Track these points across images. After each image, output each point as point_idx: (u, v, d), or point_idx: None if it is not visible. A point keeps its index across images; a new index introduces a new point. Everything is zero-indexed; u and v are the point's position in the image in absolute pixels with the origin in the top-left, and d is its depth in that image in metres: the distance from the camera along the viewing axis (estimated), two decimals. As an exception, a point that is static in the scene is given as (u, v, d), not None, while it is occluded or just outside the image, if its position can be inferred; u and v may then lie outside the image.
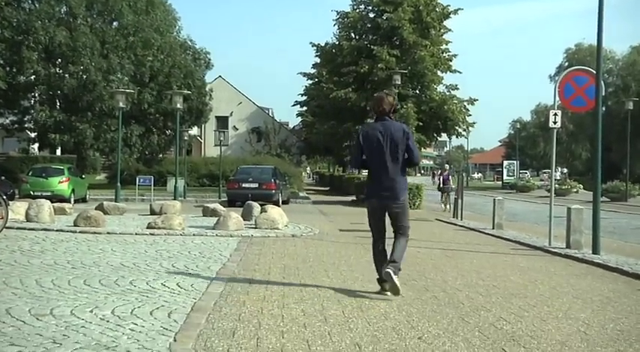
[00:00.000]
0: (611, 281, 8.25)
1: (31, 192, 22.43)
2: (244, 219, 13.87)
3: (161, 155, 38.94)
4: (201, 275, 7.35)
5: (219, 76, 53.52)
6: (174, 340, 4.54)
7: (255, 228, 13.31)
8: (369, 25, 33.85)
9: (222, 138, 34.20)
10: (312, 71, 44.38)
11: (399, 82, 27.14)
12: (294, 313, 5.59)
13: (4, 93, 31.62)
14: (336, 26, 35.53)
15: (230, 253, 9.56)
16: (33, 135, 36.17)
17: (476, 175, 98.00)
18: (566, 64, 55.63)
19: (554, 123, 12.50)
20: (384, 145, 6.38)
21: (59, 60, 33.54)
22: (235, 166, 30.35)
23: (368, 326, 5.21)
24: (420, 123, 31.05)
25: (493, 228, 15.77)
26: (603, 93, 11.90)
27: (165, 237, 11.53)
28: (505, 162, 62.40)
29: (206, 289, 6.51)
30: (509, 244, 12.88)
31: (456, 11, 33.32)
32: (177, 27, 38.87)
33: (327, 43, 37.04)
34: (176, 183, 25.48)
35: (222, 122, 52.23)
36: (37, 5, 33.38)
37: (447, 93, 33.50)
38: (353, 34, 34.89)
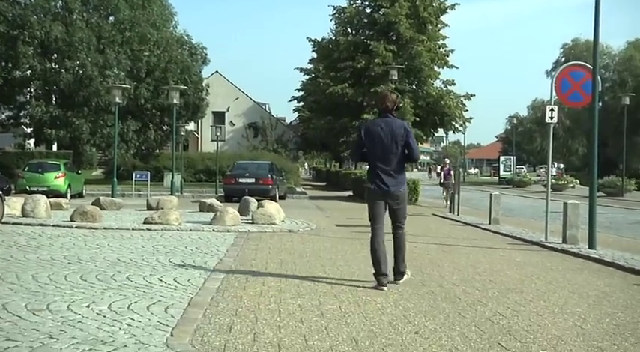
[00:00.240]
0: (607, 276, 8.28)
1: (28, 188, 22.39)
2: (241, 215, 13.88)
3: (158, 150, 38.84)
4: (198, 271, 7.35)
5: (216, 72, 53.40)
6: (171, 335, 4.55)
7: (252, 223, 13.32)
8: (366, 21, 33.79)
9: (218, 134, 34.25)
10: (309, 66, 44.39)
11: (396, 78, 27.09)
12: (291, 308, 5.60)
13: (-1, 88, 31.56)
14: (333, 21, 35.47)
15: (227, 248, 9.57)
16: (29, 130, 36.06)
17: (472, 170, 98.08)
18: (563, 59, 55.60)
19: (551, 118, 12.52)
20: (384, 141, 6.60)
21: (55, 55, 33.42)
22: (232, 161, 30.32)
23: (365, 320, 5.22)
24: (417, 119, 31.02)
25: (490, 223, 15.80)
26: (599, 89, 11.89)
27: (162, 233, 11.53)
28: (502, 158, 62.40)
29: (203, 284, 6.52)
30: (505, 239, 12.90)
31: (452, 6, 33.25)
32: (173, 22, 38.78)
33: (323, 39, 37.00)
34: (173, 178, 25.45)
35: (219, 117, 52.12)
36: (32, 0, 33.24)
37: (444, 89, 33.45)
38: (350, 30, 34.82)
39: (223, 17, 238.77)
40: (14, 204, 14.12)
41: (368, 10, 33.97)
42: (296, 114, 55.06)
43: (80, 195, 25.35)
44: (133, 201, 21.92)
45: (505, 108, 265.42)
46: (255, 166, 25.98)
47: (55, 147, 39.27)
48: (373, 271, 6.75)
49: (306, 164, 76.96)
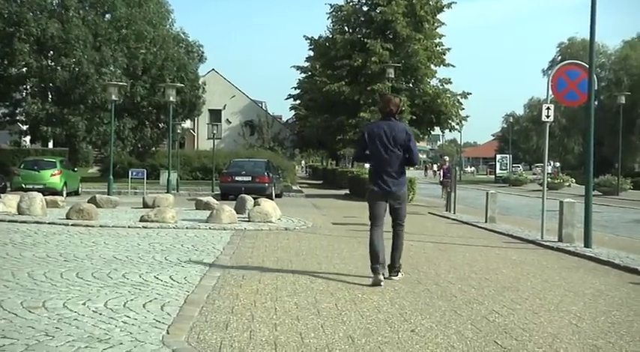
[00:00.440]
0: (603, 275, 8.30)
1: (23, 185, 22.33)
2: (237, 213, 13.87)
3: (154, 148, 38.79)
4: (194, 268, 7.35)
5: (213, 69, 53.34)
6: (167, 332, 4.55)
7: (249, 221, 13.31)
8: (363, 19, 33.81)
9: (215, 132, 34.19)
10: (306, 64, 44.38)
11: (393, 76, 27.11)
12: (287, 306, 5.60)
13: (-5, 85, 31.48)
14: (330, 20, 35.49)
15: (223, 246, 9.57)
16: (25, 127, 35.95)
17: (469, 169, 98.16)
18: (559, 58, 55.66)
19: (547, 117, 12.53)
20: (386, 143, 6.87)
21: (51, 52, 33.34)
22: (228, 159, 30.27)
23: (361, 318, 5.23)
24: (414, 117, 31.06)
25: (486, 222, 15.81)
26: (596, 88, 11.95)
27: (158, 230, 11.52)
28: (498, 156, 62.47)
29: (199, 282, 6.52)
30: (501, 237, 12.91)
31: (449, 5, 33.28)
32: (170, 20, 38.69)
33: (320, 37, 37.00)
34: (169, 176, 25.43)
35: (216, 115, 52.09)
36: (28, -4, 33.15)
37: (441, 87, 33.49)
38: (346, 28, 34.83)
39: (220, 15, 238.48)
40: (10, 202, 14.10)
41: (365, 9, 33.98)
42: (292, 112, 55.08)
43: (76, 193, 25.30)
44: (129, 198, 21.90)
45: (501, 107, 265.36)
46: (252, 164, 25.97)
47: (50, 145, 39.20)
48: (370, 264, 6.81)
49: (303, 162, 76.97)
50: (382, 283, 6.68)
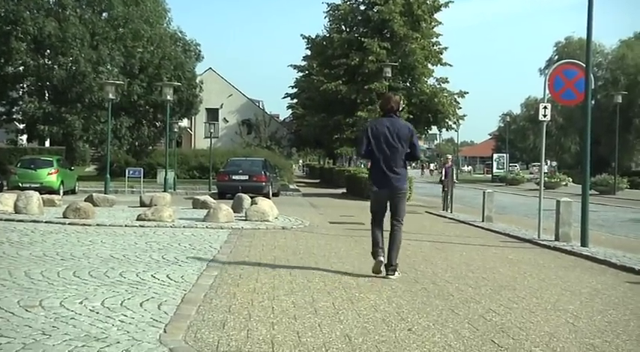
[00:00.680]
0: (600, 274, 8.31)
1: (20, 184, 22.29)
2: (234, 211, 13.86)
3: (151, 147, 38.73)
4: (191, 267, 7.34)
5: (210, 68, 53.28)
6: (165, 331, 4.54)
7: (246, 220, 13.30)
8: (360, 18, 33.83)
9: (212, 130, 34.19)
10: (303, 63, 44.35)
11: (390, 75, 27.14)
12: (284, 305, 5.60)
13: (-8, 84, 31.38)
14: (327, 18, 35.52)
15: (220, 245, 9.56)
16: (21, 126, 35.85)
17: (466, 168, 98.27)
18: (556, 57, 55.69)
19: (544, 116, 12.55)
20: (389, 139, 7.05)
21: (48, 51, 33.23)
22: (225, 158, 30.25)
23: (358, 317, 5.23)
24: (411, 116, 31.00)
25: (483, 221, 15.84)
26: (592, 87, 11.94)
27: (155, 229, 11.50)
28: (495, 155, 62.59)
29: (196, 281, 6.51)
30: (498, 236, 12.94)
31: (446, 4, 33.33)
32: (167, 18, 38.60)
33: (317, 36, 37.02)
34: (166, 175, 25.41)
35: (213, 114, 52.03)
36: (25, -5, 33.05)
37: (438, 86, 33.53)
38: (343, 27, 34.86)
39: (217, 14, 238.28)
40: (6, 201, 14.05)
41: (362, 8, 34.02)
42: (290, 111, 55.03)
43: (73, 192, 25.26)
44: (125, 197, 21.86)
45: (498, 106, 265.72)
46: (249, 163, 25.96)
47: (47, 144, 39.12)
48: (371, 251, 7.20)
49: (300, 161, 76.94)
50: (383, 261, 7.02)
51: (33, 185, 21.48)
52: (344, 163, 49.08)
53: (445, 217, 17.80)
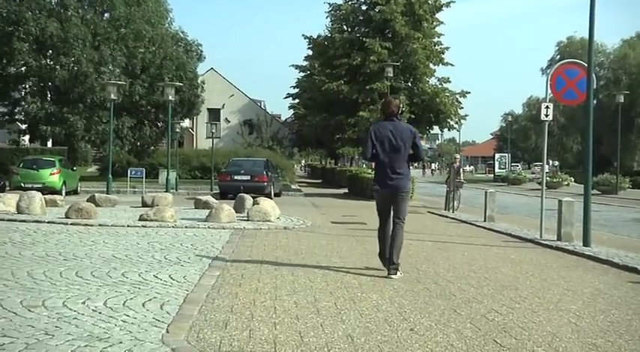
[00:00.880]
0: (602, 273, 8.31)
1: (22, 184, 22.31)
2: (236, 212, 13.86)
3: (153, 147, 38.75)
4: (193, 267, 7.35)
5: (211, 68, 53.33)
6: (167, 331, 4.55)
7: (248, 220, 13.31)
8: (362, 18, 33.79)
9: (214, 131, 34.09)
10: (305, 63, 44.38)
11: (391, 75, 27.13)
12: (286, 305, 5.60)
13: (-6, 84, 31.42)
14: (329, 18, 35.49)
15: (222, 245, 9.56)
16: (24, 126, 35.90)
17: (467, 168, 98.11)
18: (558, 56, 55.69)
19: (546, 116, 12.54)
20: (393, 142, 7.22)
21: (50, 51, 33.27)
22: (227, 158, 30.25)
23: (360, 317, 5.23)
24: (412, 116, 31.00)
25: (485, 221, 15.82)
26: (594, 87, 11.94)
27: (157, 229, 11.51)
28: (497, 155, 62.55)
29: (198, 281, 6.52)
30: (500, 236, 12.93)
31: (448, 4, 33.27)
32: (168, 19, 38.65)
33: (319, 36, 37.02)
34: (168, 175, 25.42)
35: (214, 114, 52.06)
36: (27, -4, 33.09)
37: (439, 86, 33.48)
38: (345, 27, 34.83)
39: (218, 14, 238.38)
40: (9, 201, 14.07)
41: (363, 8, 33.98)
42: (291, 111, 55.04)
43: (75, 192, 25.28)
44: (127, 197, 21.88)
45: (500, 106, 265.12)
46: (251, 163, 25.95)
47: (49, 144, 39.11)
48: (378, 251, 7.44)
49: (302, 161, 76.94)
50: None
51: (35, 185, 21.52)
52: (346, 163, 49.05)
53: (447, 217, 17.79)
